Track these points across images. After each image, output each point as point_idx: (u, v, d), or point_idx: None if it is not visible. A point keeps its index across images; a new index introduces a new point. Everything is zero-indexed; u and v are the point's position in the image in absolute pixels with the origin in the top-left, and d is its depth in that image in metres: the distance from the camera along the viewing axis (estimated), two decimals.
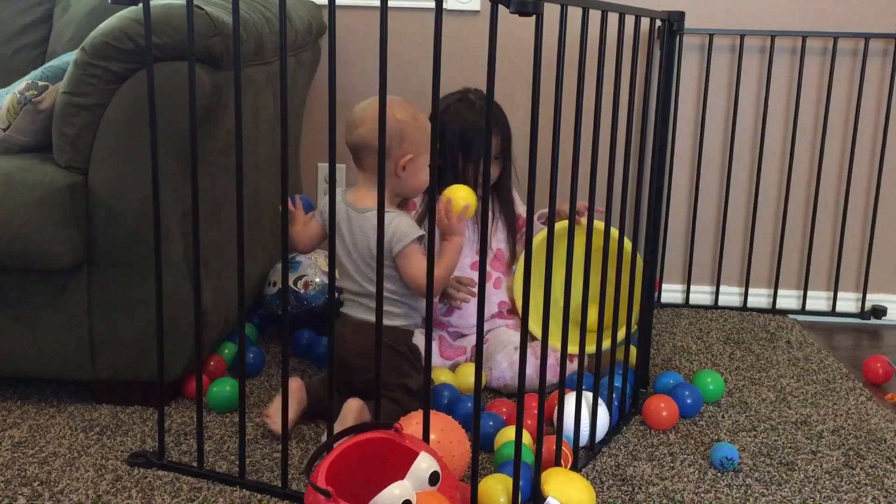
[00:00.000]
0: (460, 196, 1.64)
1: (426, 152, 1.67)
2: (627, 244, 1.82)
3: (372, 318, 1.64)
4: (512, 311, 2.00)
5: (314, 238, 1.78)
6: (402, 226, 1.64)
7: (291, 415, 1.58)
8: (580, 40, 1.31)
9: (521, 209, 2.06)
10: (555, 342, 1.63)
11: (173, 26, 1.51)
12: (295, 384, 1.62)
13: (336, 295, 1.61)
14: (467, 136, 1.88)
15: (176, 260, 1.63)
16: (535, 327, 1.85)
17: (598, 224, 1.62)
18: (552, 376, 1.69)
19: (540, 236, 1.88)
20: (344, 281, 1.72)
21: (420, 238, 1.65)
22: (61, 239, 1.56)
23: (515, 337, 1.88)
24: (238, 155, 1.32)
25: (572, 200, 1.41)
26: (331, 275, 1.34)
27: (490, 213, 2.00)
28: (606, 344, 1.61)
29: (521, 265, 1.96)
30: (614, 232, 1.68)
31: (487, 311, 1.97)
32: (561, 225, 1.82)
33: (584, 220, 1.67)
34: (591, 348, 1.77)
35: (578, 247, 1.62)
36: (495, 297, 1.98)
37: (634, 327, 1.84)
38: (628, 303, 1.70)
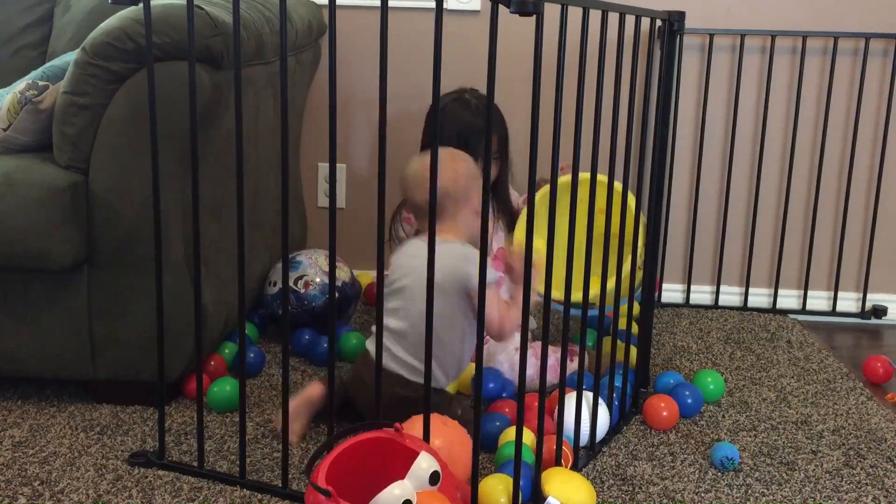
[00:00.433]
0: (538, 246, 1.55)
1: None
2: (631, 199, 1.79)
3: (399, 369, 1.58)
4: None
5: None
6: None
7: (305, 420, 1.61)
8: (580, 40, 1.31)
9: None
10: (557, 293, 1.62)
11: (173, 26, 1.51)
12: (317, 390, 1.62)
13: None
14: (464, 136, 1.88)
15: (176, 259, 1.63)
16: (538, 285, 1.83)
17: (601, 177, 1.60)
18: (553, 377, 1.69)
19: (541, 193, 1.87)
20: (389, 318, 1.60)
21: (497, 282, 1.63)
22: (62, 239, 1.56)
23: (516, 338, 1.88)
24: (238, 155, 1.32)
25: (573, 200, 1.41)
26: (331, 275, 1.34)
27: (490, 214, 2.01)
28: (610, 284, 1.59)
29: (520, 225, 1.94)
30: (618, 186, 1.66)
31: None
32: (563, 180, 1.80)
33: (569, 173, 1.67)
34: (593, 291, 1.74)
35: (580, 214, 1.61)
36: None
37: (638, 288, 1.82)
38: (633, 246, 1.68)
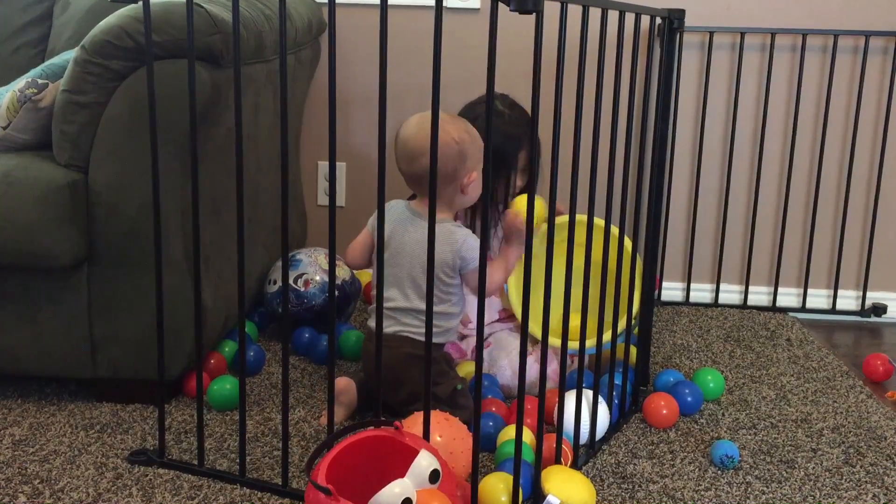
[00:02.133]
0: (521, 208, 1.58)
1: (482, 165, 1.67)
2: (627, 243, 1.82)
3: (398, 329, 1.62)
4: (512, 316, 1.99)
5: (366, 249, 1.70)
6: (474, 243, 1.62)
7: (340, 416, 1.64)
8: (580, 38, 1.31)
9: None
10: (555, 341, 1.63)
11: (173, 24, 1.51)
12: (343, 383, 1.64)
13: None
14: (497, 150, 1.82)
15: (176, 258, 1.63)
16: (535, 327, 1.85)
17: (598, 221, 1.62)
18: (553, 383, 1.69)
19: (539, 235, 1.88)
20: (387, 290, 1.63)
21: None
22: (61, 237, 1.56)
23: (518, 341, 1.87)
24: (238, 153, 1.31)
25: (573, 197, 1.41)
26: (331, 273, 1.34)
27: (496, 221, 2.00)
28: (605, 338, 1.61)
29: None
30: (614, 230, 1.68)
31: (488, 318, 1.96)
32: (560, 220, 1.81)
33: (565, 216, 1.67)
34: (590, 342, 1.76)
35: (577, 249, 1.62)
36: (497, 305, 1.98)
37: (635, 325, 1.83)
38: (628, 300, 1.70)
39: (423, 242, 1.55)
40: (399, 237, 1.63)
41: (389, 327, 1.64)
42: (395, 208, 1.67)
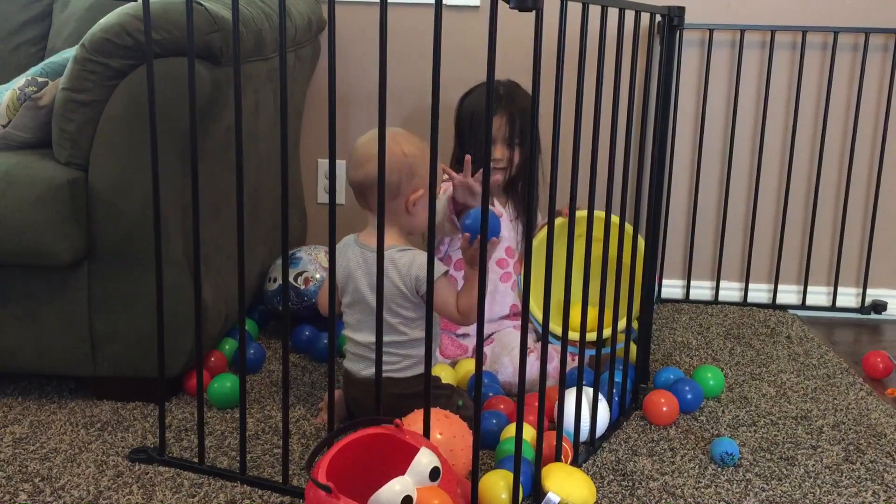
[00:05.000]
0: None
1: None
2: (629, 228, 1.81)
3: (386, 370, 1.51)
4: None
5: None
6: (423, 260, 1.52)
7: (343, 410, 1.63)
8: (580, 35, 1.31)
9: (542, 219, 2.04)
10: (556, 327, 1.63)
11: (173, 22, 1.51)
12: (336, 394, 1.61)
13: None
14: (473, 119, 1.91)
15: (176, 256, 1.63)
16: (536, 309, 1.85)
17: (599, 213, 1.62)
18: (554, 381, 1.69)
19: (539, 238, 1.89)
20: (357, 333, 1.57)
21: (444, 273, 1.54)
22: (62, 235, 1.56)
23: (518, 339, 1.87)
24: (238, 151, 1.32)
25: (572, 194, 1.41)
26: (331, 271, 1.34)
27: (508, 208, 2.00)
28: (608, 332, 1.61)
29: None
30: (616, 219, 1.68)
31: (498, 313, 1.96)
32: (561, 220, 1.82)
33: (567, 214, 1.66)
34: (591, 335, 1.76)
35: (579, 242, 1.62)
36: (511, 298, 1.98)
37: (636, 320, 1.83)
38: (629, 291, 1.69)
39: (373, 275, 1.44)
40: (355, 281, 1.55)
41: (366, 370, 1.55)
42: (349, 246, 1.58)
